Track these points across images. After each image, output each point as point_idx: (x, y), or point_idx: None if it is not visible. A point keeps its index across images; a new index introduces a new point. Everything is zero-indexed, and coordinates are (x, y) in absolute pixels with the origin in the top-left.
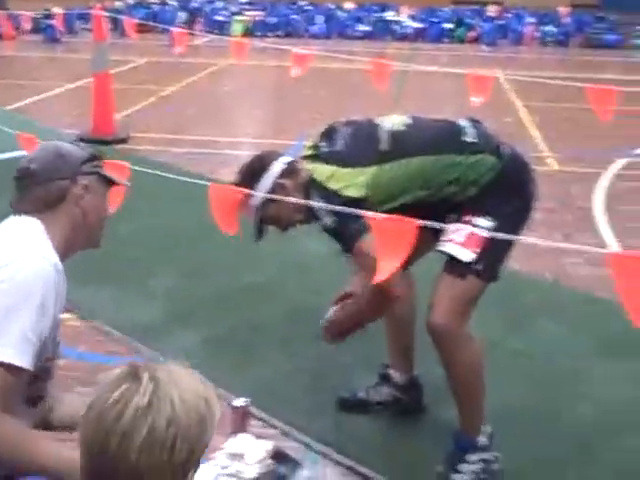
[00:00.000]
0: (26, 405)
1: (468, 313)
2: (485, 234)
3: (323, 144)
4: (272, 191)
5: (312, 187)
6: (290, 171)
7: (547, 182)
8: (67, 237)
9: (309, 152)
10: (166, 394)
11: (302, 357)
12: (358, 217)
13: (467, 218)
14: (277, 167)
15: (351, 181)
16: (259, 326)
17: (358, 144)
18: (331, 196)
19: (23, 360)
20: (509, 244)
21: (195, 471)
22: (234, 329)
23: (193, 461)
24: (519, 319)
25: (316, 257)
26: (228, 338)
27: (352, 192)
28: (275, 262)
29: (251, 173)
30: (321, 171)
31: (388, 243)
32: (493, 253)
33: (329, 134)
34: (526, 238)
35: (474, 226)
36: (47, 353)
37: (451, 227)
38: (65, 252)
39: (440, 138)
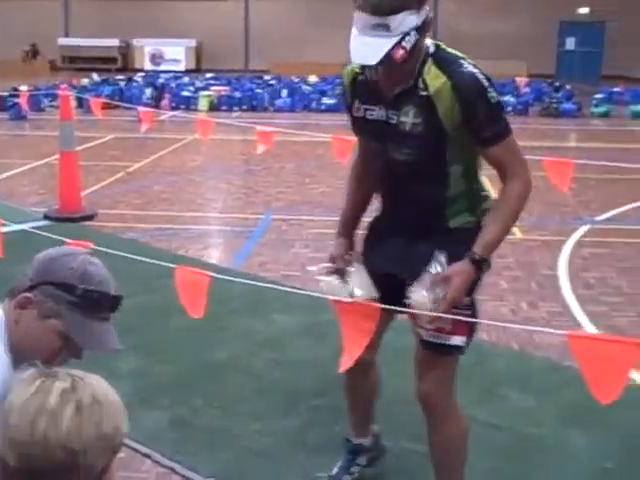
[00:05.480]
0: None
1: (455, 382)
2: (470, 319)
3: None
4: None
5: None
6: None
7: (512, 250)
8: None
9: None
10: (85, 381)
11: (271, 435)
12: None
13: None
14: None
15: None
16: (226, 404)
17: None
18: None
19: None
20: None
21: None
22: (200, 408)
23: (118, 444)
24: (486, 390)
25: (281, 331)
26: (194, 418)
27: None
28: (242, 338)
29: None
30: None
31: (353, 326)
32: (473, 326)
33: None
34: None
35: (459, 308)
36: None
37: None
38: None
39: None
